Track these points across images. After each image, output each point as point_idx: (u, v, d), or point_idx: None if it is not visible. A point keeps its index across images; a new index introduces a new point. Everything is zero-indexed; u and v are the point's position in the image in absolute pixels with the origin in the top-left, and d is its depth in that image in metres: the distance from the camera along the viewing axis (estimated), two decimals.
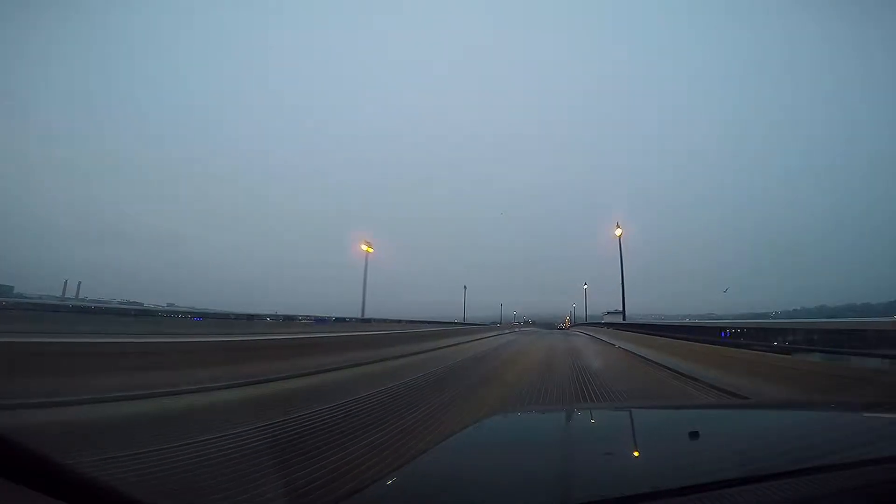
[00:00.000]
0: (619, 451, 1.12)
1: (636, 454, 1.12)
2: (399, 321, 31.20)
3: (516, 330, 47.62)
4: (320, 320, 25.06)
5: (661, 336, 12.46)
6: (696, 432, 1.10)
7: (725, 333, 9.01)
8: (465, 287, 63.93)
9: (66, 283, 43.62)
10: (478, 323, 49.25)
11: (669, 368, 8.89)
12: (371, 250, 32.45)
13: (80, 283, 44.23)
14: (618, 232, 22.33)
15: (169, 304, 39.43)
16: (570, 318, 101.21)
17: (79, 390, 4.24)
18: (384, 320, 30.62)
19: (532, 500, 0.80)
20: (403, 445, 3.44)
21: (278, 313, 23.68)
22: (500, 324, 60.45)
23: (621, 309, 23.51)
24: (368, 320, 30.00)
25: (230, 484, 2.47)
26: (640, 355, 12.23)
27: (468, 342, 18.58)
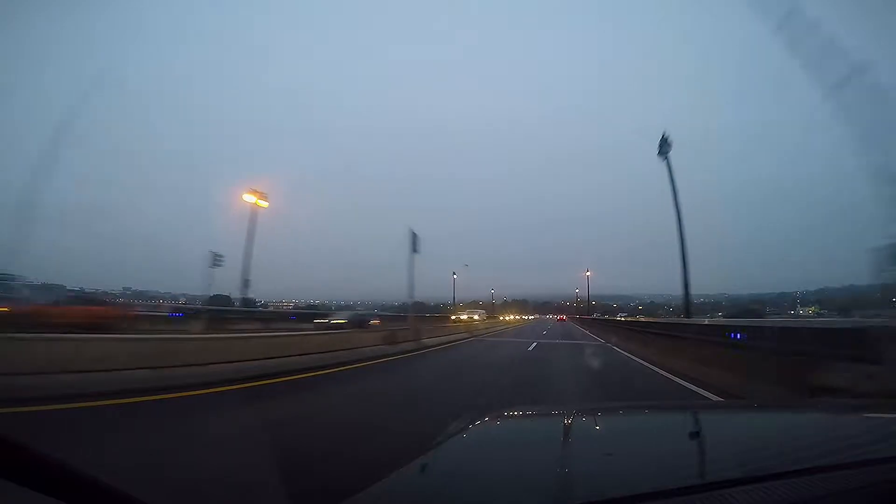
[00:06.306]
0: (619, 451, 1.12)
1: (636, 454, 1.12)
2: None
3: None
4: None
5: None
6: (696, 432, 1.10)
7: None
8: (454, 274, 54.62)
9: None
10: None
11: None
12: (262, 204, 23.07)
13: None
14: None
15: (125, 289, 35.65)
16: (581, 297, 61.74)
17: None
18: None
19: (532, 500, 0.80)
20: None
21: None
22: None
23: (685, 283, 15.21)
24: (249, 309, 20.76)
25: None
26: None
27: None
